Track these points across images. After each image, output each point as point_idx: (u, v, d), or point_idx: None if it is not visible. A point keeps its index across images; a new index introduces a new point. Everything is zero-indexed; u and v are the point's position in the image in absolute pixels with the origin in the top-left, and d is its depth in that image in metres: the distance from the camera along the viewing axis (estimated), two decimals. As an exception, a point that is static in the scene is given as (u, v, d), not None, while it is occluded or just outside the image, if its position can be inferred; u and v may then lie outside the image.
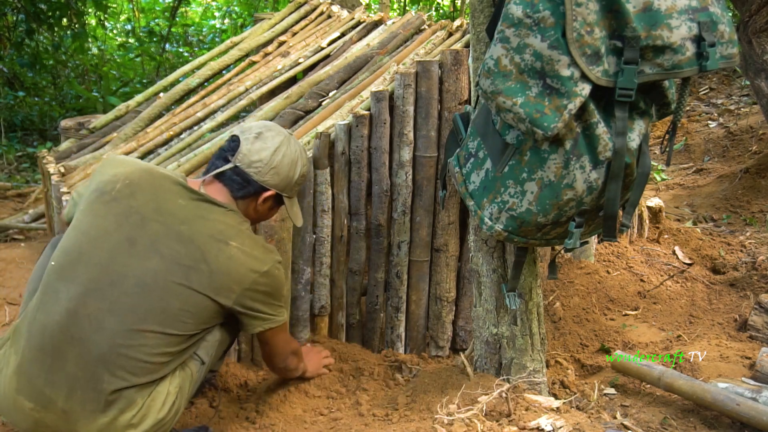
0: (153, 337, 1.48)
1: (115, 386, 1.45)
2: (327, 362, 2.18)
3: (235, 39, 3.85)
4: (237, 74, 3.46)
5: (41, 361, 1.46)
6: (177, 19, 8.30)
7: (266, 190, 1.65)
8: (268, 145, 1.64)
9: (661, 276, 2.87)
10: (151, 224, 1.52)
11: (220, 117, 3.02)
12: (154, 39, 7.88)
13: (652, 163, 4.29)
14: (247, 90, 3.20)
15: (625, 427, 1.71)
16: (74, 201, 1.68)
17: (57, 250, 1.56)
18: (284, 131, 1.71)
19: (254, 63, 3.51)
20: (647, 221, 3.21)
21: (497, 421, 1.62)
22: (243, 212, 1.66)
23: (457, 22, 2.89)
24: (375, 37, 3.24)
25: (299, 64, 3.31)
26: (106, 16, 7.61)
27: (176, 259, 1.50)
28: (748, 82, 4.53)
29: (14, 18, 6.46)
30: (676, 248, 3.15)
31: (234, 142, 1.65)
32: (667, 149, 1.49)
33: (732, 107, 5.47)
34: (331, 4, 3.85)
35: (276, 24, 3.84)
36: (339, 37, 3.47)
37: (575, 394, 1.94)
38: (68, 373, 1.45)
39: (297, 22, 3.82)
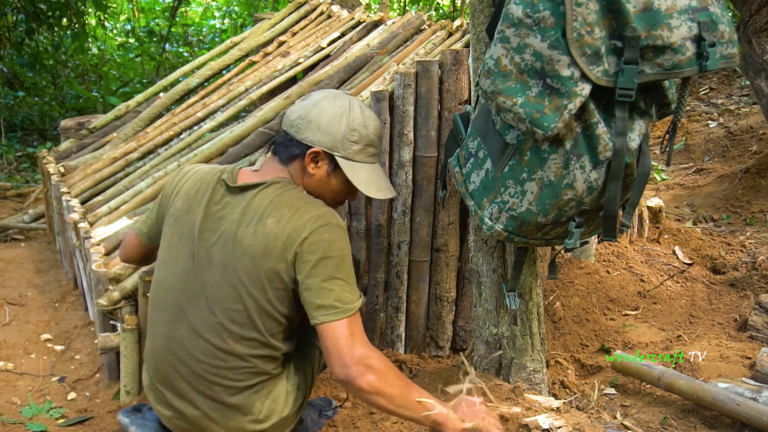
0: (236, 346, 1.49)
1: (227, 395, 1.52)
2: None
3: (235, 39, 3.85)
4: (237, 74, 3.46)
5: (161, 381, 1.58)
6: (177, 19, 8.31)
7: (309, 147, 1.53)
8: (308, 102, 1.56)
9: (661, 276, 2.87)
10: (204, 234, 1.52)
11: (220, 117, 3.03)
12: (154, 39, 7.88)
13: (652, 163, 4.29)
14: (247, 90, 3.20)
15: (625, 427, 1.71)
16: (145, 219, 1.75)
17: (152, 282, 1.66)
18: (335, 91, 1.62)
19: (254, 63, 3.51)
20: (647, 221, 3.21)
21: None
22: (299, 182, 1.57)
23: (457, 22, 2.89)
24: (375, 37, 3.24)
25: (299, 64, 3.31)
26: (106, 16, 7.61)
27: (225, 265, 1.47)
28: (748, 82, 4.53)
29: (14, 18, 6.45)
30: (676, 248, 3.14)
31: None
32: (667, 149, 1.49)
33: (732, 107, 5.47)
34: (331, 4, 3.86)
35: (276, 24, 3.84)
36: (339, 37, 3.47)
37: (575, 394, 1.94)
38: (183, 390, 1.55)
39: (297, 22, 3.82)
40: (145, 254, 1.80)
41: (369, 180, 1.59)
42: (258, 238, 1.45)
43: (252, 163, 2.41)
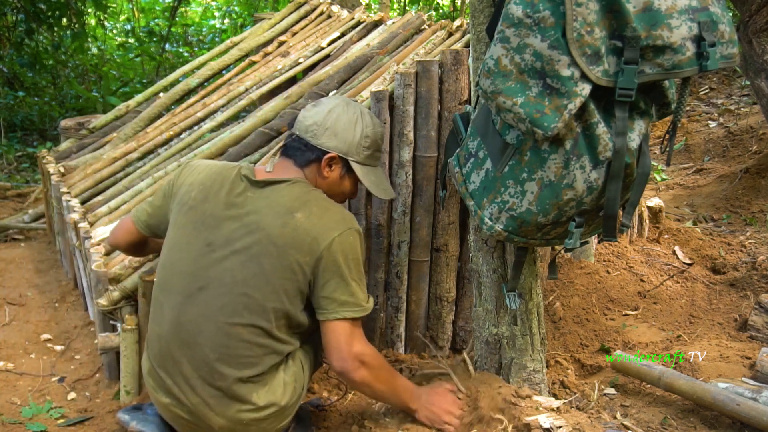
0: (244, 331, 1.54)
1: (228, 382, 1.54)
2: (449, 420, 1.67)
3: (235, 39, 3.85)
4: (237, 74, 3.46)
5: (163, 366, 1.60)
6: (177, 19, 8.30)
7: (326, 153, 1.63)
8: (322, 109, 1.65)
9: (661, 276, 2.87)
10: (224, 224, 1.57)
11: (220, 117, 3.03)
12: (154, 39, 7.88)
13: (652, 163, 4.29)
14: (247, 90, 3.20)
15: (625, 427, 1.71)
16: (144, 209, 1.79)
17: (158, 267, 1.68)
18: (343, 98, 1.70)
19: (254, 63, 3.51)
20: (647, 221, 3.21)
21: (497, 421, 1.62)
22: (314, 183, 1.65)
23: (457, 22, 2.89)
24: (375, 37, 3.24)
25: (299, 64, 3.31)
26: (105, 16, 7.62)
27: (248, 252, 1.53)
28: (748, 82, 4.53)
29: (14, 18, 6.46)
30: (676, 248, 3.14)
31: (296, 117, 1.69)
32: (667, 149, 1.49)
33: (732, 107, 5.47)
34: (331, 4, 3.85)
35: (276, 24, 3.84)
36: (339, 37, 3.47)
37: (575, 394, 1.94)
38: (185, 375, 1.57)
39: (297, 22, 3.82)
40: (136, 242, 1.83)
41: (377, 182, 1.73)
42: (287, 230, 1.52)
43: (254, 162, 2.41)
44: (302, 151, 1.64)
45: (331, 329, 1.56)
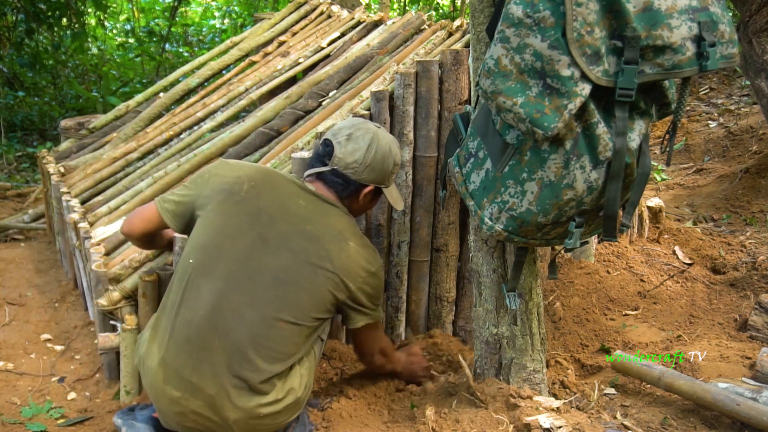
0: (287, 327, 1.61)
1: (254, 373, 1.58)
2: (424, 373, 2.09)
3: (235, 39, 3.85)
4: (237, 74, 3.46)
5: (188, 352, 1.59)
6: (177, 19, 8.30)
7: (365, 186, 1.80)
8: (360, 145, 1.77)
9: (661, 276, 2.87)
10: (279, 223, 1.67)
11: (220, 117, 3.03)
12: (154, 39, 7.88)
13: (652, 163, 4.29)
14: (247, 90, 3.20)
15: (625, 427, 1.71)
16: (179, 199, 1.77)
17: (194, 248, 1.67)
18: (372, 126, 1.83)
19: (254, 63, 3.51)
20: (647, 221, 3.21)
21: (497, 421, 1.62)
22: (348, 208, 1.82)
23: (457, 22, 2.89)
24: (375, 37, 3.24)
25: (299, 64, 3.31)
26: (105, 15, 7.62)
27: (305, 257, 1.65)
28: (748, 82, 4.53)
29: (14, 18, 6.46)
30: (676, 248, 3.14)
31: (328, 147, 1.79)
32: (667, 149, 1.49)
33: (732, 107, 5.47)
34: (331, 4, 3.86)
35: (276, 24, 3.84)
36: (339, 37, 3.47)
37: (575, 394, 1.94)
38: (214, 362, 1.57)
39: (297, 22, 3.82)
40: (152, 232, 1.84)
41: (397, 197, 1.93)
42: (343, 254, 1.69)
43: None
44: (343, 186, 1.78)
45: (364, 334, 1.83)
